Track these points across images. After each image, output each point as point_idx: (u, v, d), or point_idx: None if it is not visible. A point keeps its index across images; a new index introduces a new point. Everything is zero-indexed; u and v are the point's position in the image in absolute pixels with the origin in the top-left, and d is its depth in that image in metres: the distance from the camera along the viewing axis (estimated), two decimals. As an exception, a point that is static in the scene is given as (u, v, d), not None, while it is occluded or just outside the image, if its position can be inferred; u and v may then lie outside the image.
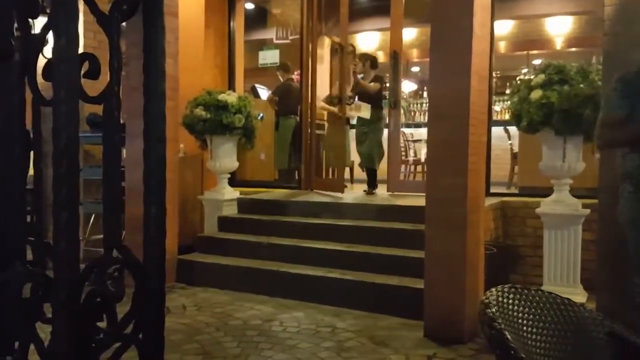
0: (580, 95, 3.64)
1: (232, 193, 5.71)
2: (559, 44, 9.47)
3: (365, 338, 3.53)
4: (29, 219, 1.82)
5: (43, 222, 1.80)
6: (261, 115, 6.39)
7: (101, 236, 1.72)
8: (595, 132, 2.67)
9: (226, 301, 4.38)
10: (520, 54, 10.06)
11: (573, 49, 9.23)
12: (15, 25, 1.70)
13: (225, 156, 5.54)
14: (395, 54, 5.96)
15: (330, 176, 6.78)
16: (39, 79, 1.64)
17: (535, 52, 9.88)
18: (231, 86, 6.70)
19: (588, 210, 3.93)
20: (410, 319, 3.79)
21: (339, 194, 5.83)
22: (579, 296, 3.80)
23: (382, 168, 6.23)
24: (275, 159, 7.10)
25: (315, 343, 3.43)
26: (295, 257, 4.73)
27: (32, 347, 1.68)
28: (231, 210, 5.63)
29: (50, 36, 1.55)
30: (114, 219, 1.65)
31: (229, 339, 3.51)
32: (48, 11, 1.53)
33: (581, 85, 3.69)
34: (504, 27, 9.22)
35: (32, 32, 1.67)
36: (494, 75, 5.50)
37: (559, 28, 9.30)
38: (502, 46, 9.63)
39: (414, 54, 10.83)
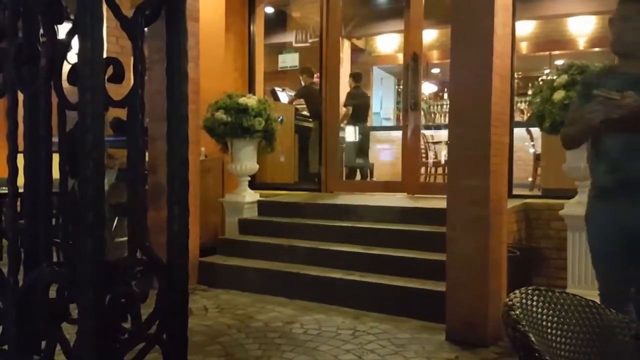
0: (604, 96, 3.59)
1: (253, 195, 5.74)
2: (581, 43, 9.36)
3: (387, 341, 3.51)
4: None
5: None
6: (281, 118, 6.42)
7: (124, 239, 1.74)
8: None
9: (247, 303, 4.40)
10: (542, 55, 9.96)
11: (596, 49, 9.10)
12: (41, 31, 1.74)
13: (245, 159, 5.57)
14: (415, 55, 5.94)
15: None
16: (64, 83, 1.67)
17: (557, 52, 9.77)
18: (251, 89, 6.74)
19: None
20: (431, 322, 3.77)
21: (358, 196, 5.82)
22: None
23: (397, 171, 6.21)
24: (310, 163, 7.15)
25: (336, 346, 3.43)
26: (315, 259, 4.73)
27: (58, 347, 1.71)
28: (252, 213, 5.66)
29: (74, 41, 1.58)
30: (139, 220, 1.67)
31: (250, 341, 3.52)
32: (72, 17, 1.56)
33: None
34: (526, 28, 9.14)
35: (57, 37, 1.70)
36: (515, 76, 5.44)
37: (582, 28, 9.19)
38: (523, 47, 9.54)
39: (434, 55, 10.79)
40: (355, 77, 8.08)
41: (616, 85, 2.32)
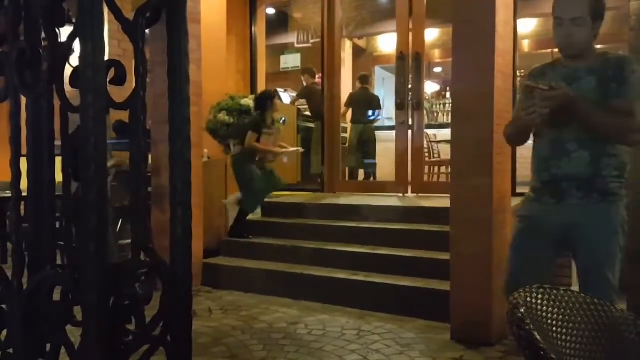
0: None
1: (256, 197, 5.73)
2: (584, 40, 9.31)
3: (392, 341, 3.51)
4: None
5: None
6: (283, 119, 6.42)
7: (128, 241, 1.74)
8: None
9: (251, 304, 4.40)
10: (544, 52, 9.92)
11: (598, 46, 9.06)
12: (43, 34, 1.74)
13: (248, 160, 5.56)
14: (418, 54, 5.93)
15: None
16: (66, 86, 1.67)
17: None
18: (253, 91, 6.73)
19: (617, 210, 3.85)
20: (436, 322, 3.76)
21: (362, 196, 5.81)
22: (609, 297, 3.72)
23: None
24: (312, 163, 7.14)
25: (341, 346, 3.42)
26: (319, 260, 4.73)
27: (62, 349, 1.71)
28: (255, 214, 5.66)
29: (76, 44, 1.58)
30: (142, 222, 1.67)
31: (255, 342, 3.52)
32: (74, 20, 1.56)
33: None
34: (528, 25, 9.10)
35: (59, 40, 1.70)
36: (518, 74, 5.42)
37: (584, 25, 9.14)
38: (525, 44, 9.51)
39: (436, 54, 10.77)
40: (362, 79, 8.05)
41: (554, 78, 2.28)
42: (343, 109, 7.12)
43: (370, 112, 7.80)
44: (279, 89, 8.30)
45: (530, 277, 2.32)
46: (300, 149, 6.39)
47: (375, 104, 7.97)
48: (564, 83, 2.23)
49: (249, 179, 5.31)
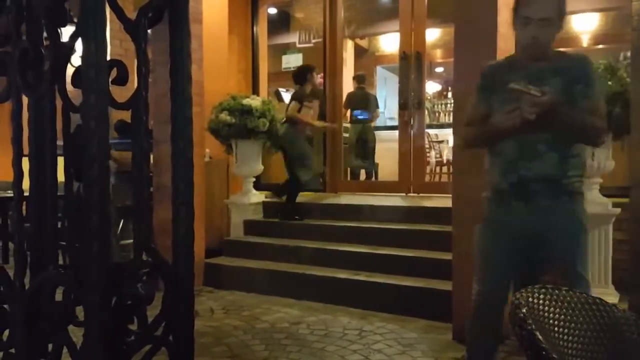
0: (608, 93, 3.57)
1: (258, 197, 5.74)
2: (585, 41, 9.30)
3: (393, 341, 3.51)
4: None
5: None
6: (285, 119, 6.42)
7: (130, 241, 1.74)
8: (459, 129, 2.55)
9: (253, 304, 4.40)
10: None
11: (600, 46, 9.06)
12: (45, 34, 1.74)
13: (250, 160, 5.58)
14: (419, 54, 5.93)
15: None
16: (68, 86, 1.67)
17: (561, 49, 9.71)
18: (255, 90, 6.74)
19: (619, 210, 3.85)
20: (438, 322, 3.76)
21: (363, 196, 5.81)
22: (611, 297, 3.72)
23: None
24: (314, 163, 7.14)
25: (342, 346, 3.42)
26: (321, 259, 4.73)
27: (65, 349, 1.71)
28: (257, 214, 5.66)
29: (78, 44, 1.59)
30: (144, 222, 1.68)
31: (256, 342, 3.52)
32: (76, 20, 1.56)
33: (609, 83, 3.62)
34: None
35: (61, 40, 1.70)
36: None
37: (586, 25, 9.14)
38: (527, 44, 9.49)
39: (438, 54, 10.76)
40: (358, 78, 8.09)
41: (517, 79, 2.21)
42: (343, 110, 7.13)
43: (358, 112, 7.79)
44: (280, 89, 8.30)
45: (503, 283, 2.35)
46: (337, 125, 6.42)
47: (372, 103, 7.96)
48: (529, 84, 2.19)
49: (302, 153, 5.46)
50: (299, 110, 5.38)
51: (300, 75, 5.59)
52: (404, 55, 5.92)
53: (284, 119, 5.47)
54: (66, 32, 1.68)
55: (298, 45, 9.40)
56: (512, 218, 2.31)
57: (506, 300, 2.37)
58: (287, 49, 9.10)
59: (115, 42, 5.72)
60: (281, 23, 9.84)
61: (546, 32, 2.24)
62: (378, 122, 8.58)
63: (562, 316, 1.45)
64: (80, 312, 1.61)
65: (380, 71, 11.37)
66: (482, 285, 2.46)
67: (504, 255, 2.35)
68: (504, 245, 2.34)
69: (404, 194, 5.95)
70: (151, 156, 4.48)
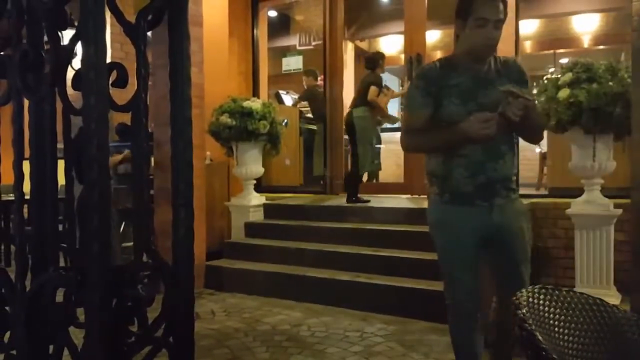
0: (609, 93, 3.57)
1: (258, 199, 5.75)
2: (586, 41, 9.31)
3: (395, 342, 3.51)
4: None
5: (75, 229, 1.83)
6: (285, 121, 6.43)
7: (130, 243, 1.74)
8: (400, 135, 2.47)
9: (254, 306, 4.40)
10: (546, 53, 9.91)
11: (601, 47, 9.06)
12: (45, 37, 1.75)
13: (250, 162, 5.58)
14: (419, 56, 5.94)
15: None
16: (69, 89, 1.67)
17: (561, 50, 9.71)
18: (255, 93, 6.75)
19: (620, 210, 3.85)
20: (439, 323, 3.73)
21: (364, 198, 5.80)
22: (613, 298, 3.71)
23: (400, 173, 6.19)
24: (315, 165, 7.12)
25: (343, 348, 3.42)
26: (322, 261, 4.73)
27: (65, 351, 1.71)
28: (257, 216, 5.66)
29: (78, 47, 1.59)
30: (144, 224, 1.68)
31: (258, 344, 3.52)
32: (76, 23, 1.57)
33: (610, 83, 3.61)
34: (530, 26, 9.10)
35: (61, 43, 1.71)
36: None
37: (586, 25, 9.14)
38: (527, 45, 9.50)
39: (438, 56, 10.76)
40: (366, 60, 7.96)
41: (466, 82, 2.26)
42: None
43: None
44: (280, 91, 8.30)
45: (474, 283, 2.39)
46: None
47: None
48: (477, 85, 2.26)
49: (370, 140, 5.50)
50: (377, 95, 5.41)
51: (373, 61, 5.71)
52: (409, 58, 5.94)
53: (357, 103, 5.48)
54: (66, 35, 1.68)
55: (298, 48, 9.41)
56: (473, 218, 2.32)
57: (479, 299, 2.43)
58: (287, 51, 9.11)
59: (115, 45, 5.73)
60: (281, 25, 9.85)
61: (498, 34, 2.27)
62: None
63: (563, 316, 1.46)
64: (81, 313, 1.61)
65: (380, 72, 11.38)
66: (455, 294, 2.46)
67: (473, 255, 2.38)
68: (472, 245, 2.35)
69: (407, 195, 5.95)
70: (152, 158, 4.51)
